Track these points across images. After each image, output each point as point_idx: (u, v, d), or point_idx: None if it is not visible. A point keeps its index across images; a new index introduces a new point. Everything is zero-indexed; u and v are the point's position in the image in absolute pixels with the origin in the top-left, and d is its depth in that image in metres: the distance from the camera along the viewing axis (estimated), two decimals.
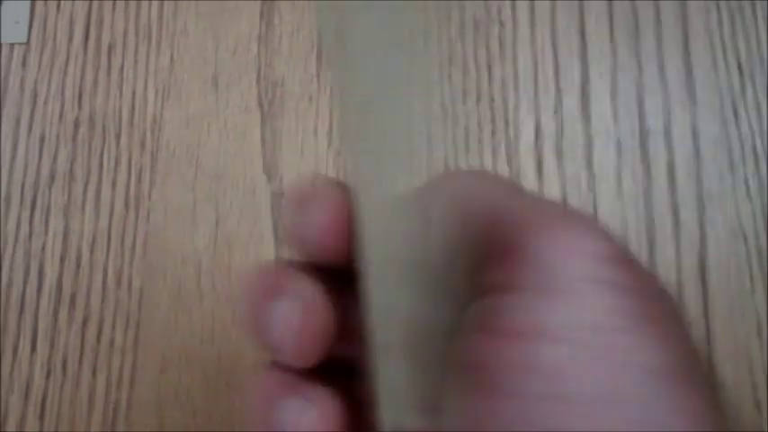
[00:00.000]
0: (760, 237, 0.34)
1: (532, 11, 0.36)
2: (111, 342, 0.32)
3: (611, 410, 0.13)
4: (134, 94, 0.35)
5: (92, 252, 0.33)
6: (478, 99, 0.35)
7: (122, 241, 0.33)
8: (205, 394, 0.31)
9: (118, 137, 0.34)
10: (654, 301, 0.14)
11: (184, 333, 0.32)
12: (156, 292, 0.32)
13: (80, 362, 0.31)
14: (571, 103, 0.35)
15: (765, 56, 0.36)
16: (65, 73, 0.35)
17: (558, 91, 0.35)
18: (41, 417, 0.31)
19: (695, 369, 0.14)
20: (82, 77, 0.35)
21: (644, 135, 0.35)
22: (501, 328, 0.14)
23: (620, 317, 0.13)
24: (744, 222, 0.34)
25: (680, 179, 0.35)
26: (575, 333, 0.13)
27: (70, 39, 0.35)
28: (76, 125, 0.34)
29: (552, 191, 0.34)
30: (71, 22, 0.36)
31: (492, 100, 0.35)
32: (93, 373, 0.31)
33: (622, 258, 0.14)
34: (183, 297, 0.32)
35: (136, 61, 0.35)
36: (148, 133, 0.34)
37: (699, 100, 0.36)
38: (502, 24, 0.36)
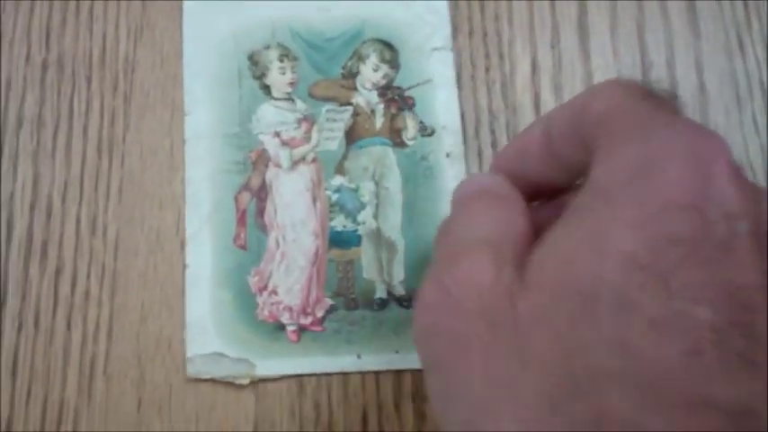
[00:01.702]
0: None
1: None
2: (86, 293, 0.30)
3: None
4: (105, 34, 0.33)
5: (63, 200, 0.31)
6: (471, 34, 0.33)
7: (96, 188, 0.31)
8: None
9: (89, 79, 0.32)
10: None
11: (164, 282, 0.30)
12: (132, 240, 0.30)
13: (53, 314, 0.30)
14: (569, 37, 0.34)
15: None
16: (31, 13, 0.33)
17: (555, 25, 0.34)
18: (14, 373, 0.29)
19: None
20: (49, 17, 0.33)
21: (646, 69, 0.33)
22: None
23: None
24: (752, 158, 0.33)
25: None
26: None
27: None
28: (44, 68, 0.32)
29: None
30: None
31: (485, 35, 0.33)
32: (68, 326, 0.29)
33: None
34: (161, 244, 0.30)
35: (106, 0, 0.33)
36: (121, 74, 0.32)
37: (702, 33, 0.34)
38: None
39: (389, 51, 0.32)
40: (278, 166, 0.31)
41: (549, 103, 0.32)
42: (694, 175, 0.15)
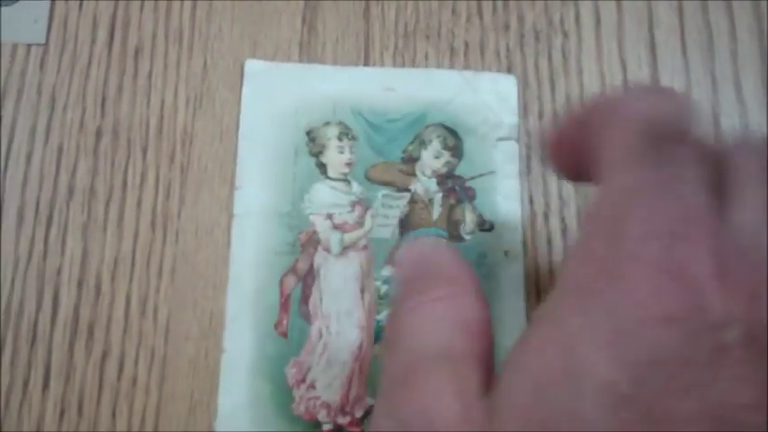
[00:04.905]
0: None
1: (598, 22, 0.33)
2: (134, 379, 0.28)
3: None
4: (163, 102, 0.32)
5: (113, 277, 0.29)
6: (540, 115, 0.32)
7: (148, 266, 0.29)
8: None
9: (144, 149, 0.31)
10: None
11: (215, 370, 0.28)
12: (184, 324, 0.29)
13: (98, 401, 0.28)
14: None
15: None
16: (86, 77, 0.32)
17: None
18: None
19: None
20: (105, 83, 0.32)
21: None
22: None
23: None
24: None
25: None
26: None
27: (93, 40, 0.32)
28: (98, 135, 0.31)
29: None
30: (94, 23, 0.33)
31: (556, 116, 0.32)
32: (113, 413, 0.28)
33: None
34: (214, 329, 0.29)
35: (165, 66, 0.32)
36: (178, 146, 0.31)
37: None
38: (565, 35, 0.33)
39: (453, 138, 0.31)
40: (327, 250, 0.30)
41: None
42: (668, 284, 0.14)
